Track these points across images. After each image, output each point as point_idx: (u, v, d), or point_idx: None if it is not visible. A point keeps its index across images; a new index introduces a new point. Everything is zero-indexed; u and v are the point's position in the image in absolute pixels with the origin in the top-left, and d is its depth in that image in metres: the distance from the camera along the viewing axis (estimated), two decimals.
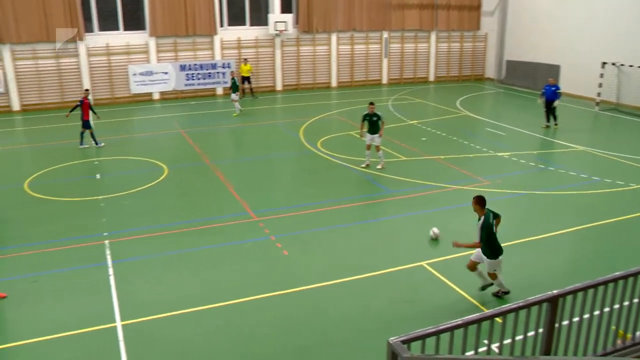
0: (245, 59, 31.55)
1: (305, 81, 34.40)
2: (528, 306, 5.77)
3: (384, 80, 36.18)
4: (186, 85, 31.43)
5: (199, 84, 31.64)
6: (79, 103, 20.58)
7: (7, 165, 19.21)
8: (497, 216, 9.60)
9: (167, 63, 30.84)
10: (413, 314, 9.33)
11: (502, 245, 9.45)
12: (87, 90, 21.56)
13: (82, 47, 29.06)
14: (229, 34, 32.06)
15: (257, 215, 13.79)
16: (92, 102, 22.40)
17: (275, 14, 32.10)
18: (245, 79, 31.38)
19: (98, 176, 17.58)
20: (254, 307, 9.65)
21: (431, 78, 37.39)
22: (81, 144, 20.73)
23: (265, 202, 14.74)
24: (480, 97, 31.93)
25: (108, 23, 30.03)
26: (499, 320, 5.83)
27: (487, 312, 5.69)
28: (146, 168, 18.18)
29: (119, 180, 17.06)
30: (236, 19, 32.51)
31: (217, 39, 31.58)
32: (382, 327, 8.95)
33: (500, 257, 9.42)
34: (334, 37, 34.04)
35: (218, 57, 31.77)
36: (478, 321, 5.49)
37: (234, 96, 26.55)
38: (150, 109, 29.32)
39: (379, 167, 17.39)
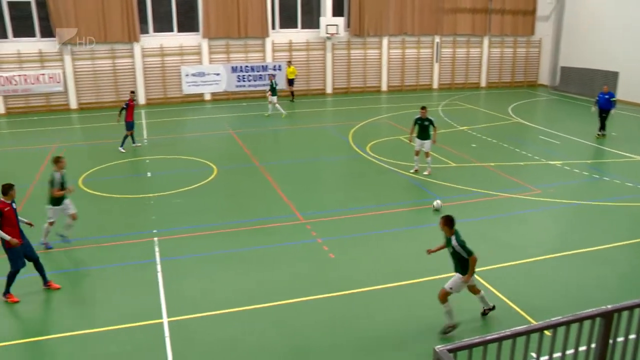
0: (289, 62, 31.76)
1: (355, 85, 34.39)
2: (580, 320, 5.58)
3: (435, 85, 35.84)
4: (237, 86, 31.87)
5: (249, 86, 32.04)
6: (125, 106, 20.57)
7: (66, 161, 19.78)
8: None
9: (218, 64, 31.34)
10: (460, 321, 9.18)
11: (553, 255, 9.20)
12: (132, 92, 21.64)
13: (137, 48, 29.82)
14: (280, 36, 32.35)
15: (305, 218, 13.84)
16: (137, 103, 22.37)
17: (327, 17, 32.23)
18: (290, 81, 31.56)
19: (149, 174, 17.98)
20: (300, 309, 9.68)
21: (483, 84, 36.85)
22: (134, 142, 21.16)
23: (312, 205, 14.79)
24: (533, 103, 31.25)
25: (162, 25, 30.77)
26: (548, 333, 5.68)
27: (537, 324, 5.54)
28: (196, 168, 18.50)
29: (169, 178, 17.41)
30: (288, 21, 32.80)
31: (268, 41, 31.91)
32: (427, 335, 8.85)
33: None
34: (385, 41, 33.92)
35: (269, 59, 32.09)
36: (527, 333, 5.35)
37: (273, 98, 26.85)
38: (201, 109, 29.86)
39: (425, 173, 17.21)
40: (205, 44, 30.95)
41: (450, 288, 8.84)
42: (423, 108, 16.96)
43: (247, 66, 31.68)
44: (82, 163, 19.62)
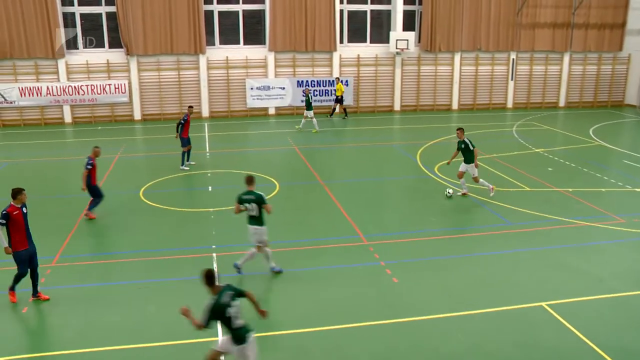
0: (338, 78, 31.86)
1: (424, 102, 34.17)
2: None
3: (509, 104, 35.17)
4: (302, 101, 32.19)
5: (315, 101, 32.25)
6: (182, 121, 20.35)
7: (126, 172, 20.57)
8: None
9: (284, 78, 31.84)
10: (528, 358, 8.90)
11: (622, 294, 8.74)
12: (191, 107, 21.57)
13: (202, 60, 30.70)
14: (348, 50, 32.61)
15: (368, 239, 13.80)
16: (193, 116, 22.06)
17: (397, 31, 32.26)
18: (338, 99, 31.50)
19: (210, 188, 18.38)
20: (357, 335, 9.62)
21: (561, 103, 35.87)
22: (188, 160, 20.77)
23: (376, 226, 14.73)
24: (618, 125, 30.16)
25: (229, 37, 31.60)
26: None
27: None
28: (258, 183, 18.63)
29: (231, 193, 17.60)
30: (356, 35, 33.04)
31: (336, 56, 32.21)
32: None
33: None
34: (457, 57, 33.62)
35: (336, 73, 32.35)
36: None
37: (309, 113, 27.12)
38: (265, 123, 30.37)
39: (492, 194, 16.98)
40: (271, 57, 31.54)
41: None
42: (459, 129, 16.94)
43: (313, 81, 32.04)
44: (144, 175, 20.26)
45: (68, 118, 30.35)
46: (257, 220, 11.51)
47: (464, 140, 16.83)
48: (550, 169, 20.46)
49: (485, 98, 34.87)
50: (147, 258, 12.85)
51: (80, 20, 29.97)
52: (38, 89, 29.44)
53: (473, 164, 16.79)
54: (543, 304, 10.57)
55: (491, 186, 17.09)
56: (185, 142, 20.47)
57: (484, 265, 12.48)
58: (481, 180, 17.08)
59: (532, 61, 34.82)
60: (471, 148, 16.77)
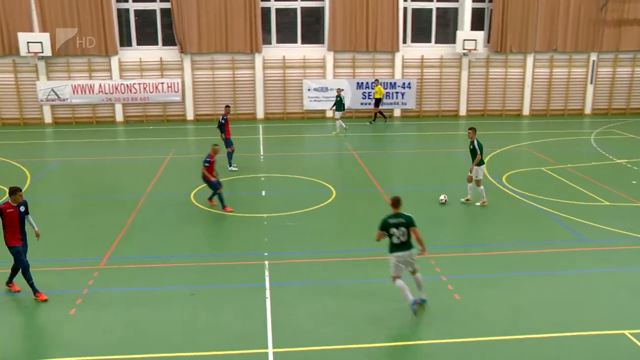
0: (376, 80, 31.65)
1: (492, 107, 33.66)
2: None
3: (587, 110, 34.20)
4: (362, 104, 32.20)
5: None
6: (222, 121, 20.92)
7: (177, 174, 21.02)
8: None
9: (343, 79, 31.90)
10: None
11: None
12: (228, 106, 22.16)
13: (258, 59, 31.09)
14: (411, 51, 32.46)
15: (429, 252, 13.56)
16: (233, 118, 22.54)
17: (465, 31, 31.90)
18: (377, 101, 31.29)
19: (263, 193, 18.57)
20: (416, 354, 9.51)
21: None
22: (230, 162, 21.16)
23: (437, 238, 14.55)
24: None
25: (286, 35, 31.93)
26: None
27: None
28: (313, 189, 18.87)
29: (285, 199, 17.88)
30: (420, 35, 32.86)
31: (398, 57, 32.10)
32: None
33: None
34: (529, 59, 32.94)
35: (398, 75, 32.24)
36: None
37: (337, 114, 27.38)
38: (322, 127, 30.49)
39: (477, 204, 17.09)
40: (330, 57, 31.69)
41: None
42: (470, 129, 16.94)
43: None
44: (195, 177, 20.61)
45: (119, 117, 31.26)
46: (406, 244, 10.62)
47: (473, 142, 16.77)
48: (634, 182, 19.79)
49: (560, 103, 34.02)
50: (197, 263, 13.08)
51: (135, 17, 30.87)
52: (90, 86, 30.44)
53: (481, 166, 16.85)
54: (626, 332, 10.13)
55: (470, 197, 17.34)
56: (229, 142, 21.03)
57: (556, 285, 12.13)
58: (474, 185, 17.16)
59: (616, 62, 33.70)
60: (478, 151, 16.71)
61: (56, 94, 30.36)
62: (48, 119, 31.01)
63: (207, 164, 16.51)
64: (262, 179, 20.29)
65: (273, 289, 11.70)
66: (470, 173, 17.08)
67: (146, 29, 31.24)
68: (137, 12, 30.97)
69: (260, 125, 30.25)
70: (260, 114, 31.90)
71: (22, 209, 11.17)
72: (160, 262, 13.23)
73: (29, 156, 23.79)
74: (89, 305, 11.08)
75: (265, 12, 31.27)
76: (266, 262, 13.01)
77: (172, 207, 17.04)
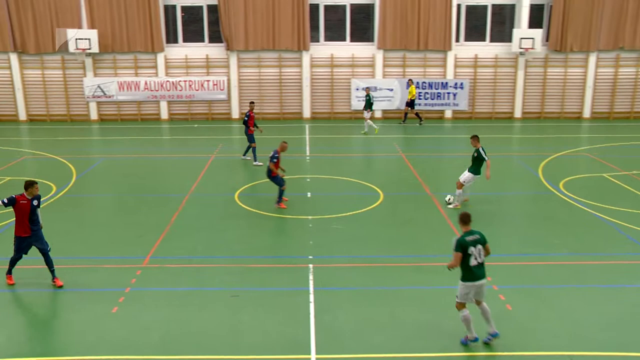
0: (410, 80, 31.28)
1: (550, 109, 33.05)
2: None
3: None
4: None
5: (426, 105, 32.00)
6: (246, 117, 22.27)
7: (222, 173, 21.28)
8: None
9: (393, 79, 31.81)
10: None
11: None
12: (252, 102, 23.27)
13: (306, 57, 31.22)
14: (464, 50, 32.13)
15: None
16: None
17: (522, 29, 31.39)
18: (410, 103, 30.94)
19: (309, 194, 18.62)
20: None
21: None
22: (244, 155, 22.92)
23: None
24: None
25: (334, 33, 31.98)
26: None
27: None
28: (360, 191, 18.83)
29: (330, 201, 17.89)
30: (475, 33, 32.50)
31: (450, 56, 31.82)
32: None
33: None
34: (592, 58, 32.19)
35: (450, 75, 31.96)
36: None
37: (367, 114, 27.43)
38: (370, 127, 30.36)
39: (450, 206, 17.22)
40: (379, 56, 31.62)
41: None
42: (473, 137, 17.00)
43: (424, 82, 31.78)
44: (239, 177, 20.85)
45: (164, 114, 31.80)
46: (483, 267, 9.85)
47: (477, 149, 16.76)
48: None
49: (625, 105, 33.11)
50: (240, 265, 13.19)
51: (181, 13, 31.36)
52: (136, 83, 31.06)
53: (475, 175, 16.89)
54: None
55: (458, 203, 17.20)
56: (251, 138, 22.11)
57: (619, 300, 11.77)
58: (462, 191, 17.10)
59: None
60: (485, 158, 16.71)
61: (102, 91, 31.08)
62: (94, 115, 31.78)
63: (274, 160, 16.92)
64: (308, 180, 20.35)
65: (317, 294, 11.71)
66: (468, 177, 17.08)
67: (192, 26, 31.73)
68: (184, 9, 31.49)
69: (307, 125, 30.37)
70: (306, 113, 32.03)
71: (35, 202, 11.70)
72: (202, 263, 13.38)
73: (75, 153, 24.42)
74: (132, 304, 11.30)
75: (314, 9, 31.39)
76: (310, 266, 13.03)
77: (215, 207, 17.25)
